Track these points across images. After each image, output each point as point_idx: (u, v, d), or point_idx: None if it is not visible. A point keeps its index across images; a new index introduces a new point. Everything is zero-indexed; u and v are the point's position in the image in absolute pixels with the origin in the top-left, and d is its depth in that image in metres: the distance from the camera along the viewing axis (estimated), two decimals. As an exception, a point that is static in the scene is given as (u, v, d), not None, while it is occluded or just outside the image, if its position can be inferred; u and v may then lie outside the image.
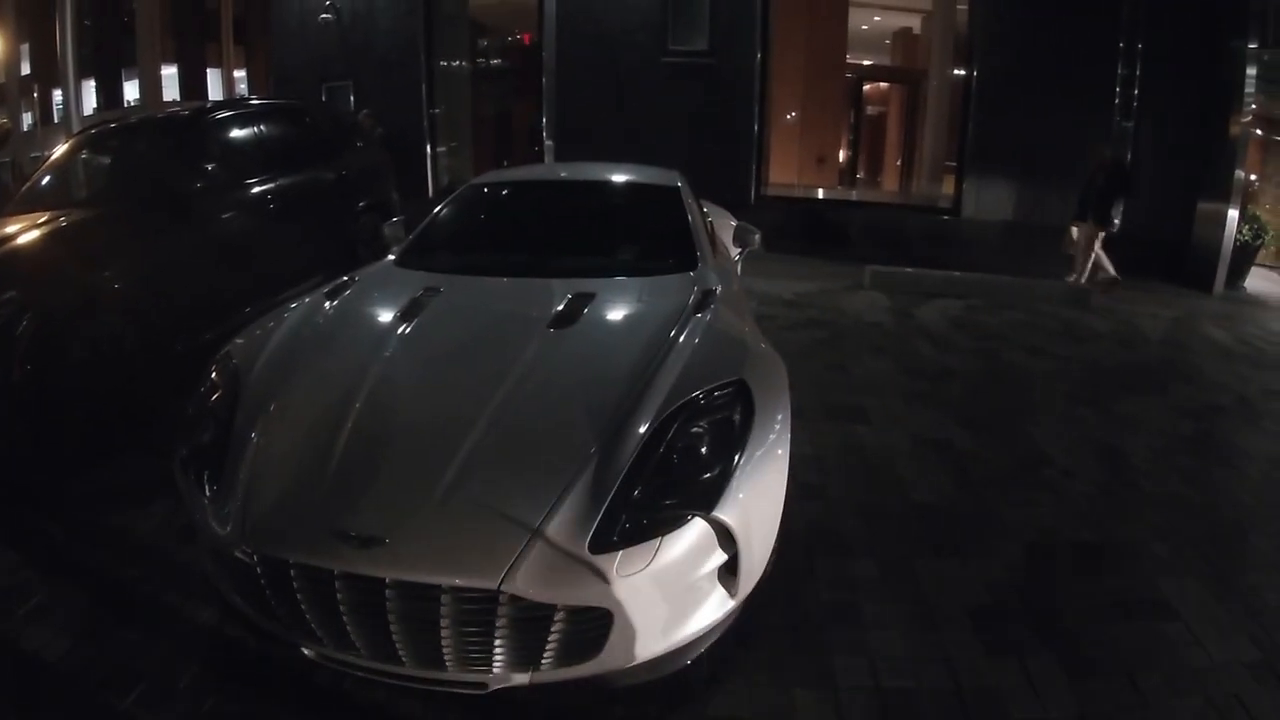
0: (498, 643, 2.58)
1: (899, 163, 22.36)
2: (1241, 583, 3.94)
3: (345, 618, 2.59)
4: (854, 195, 18.77)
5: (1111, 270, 10.94)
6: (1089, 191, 10.89)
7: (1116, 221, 10.74)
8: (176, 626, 3.40)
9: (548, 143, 13.91)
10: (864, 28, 20.50)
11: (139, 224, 5.69)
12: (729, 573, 2.90)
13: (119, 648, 3.26)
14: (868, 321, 8.72)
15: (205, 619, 3.42)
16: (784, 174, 17.38)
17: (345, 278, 4.47)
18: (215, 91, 27.21)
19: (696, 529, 2.75)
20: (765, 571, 3.07)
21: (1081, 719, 3.07)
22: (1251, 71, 11.57)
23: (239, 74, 28.46)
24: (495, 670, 2.64)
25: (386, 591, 2.53)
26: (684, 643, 2.83)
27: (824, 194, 16.74)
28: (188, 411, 3.38)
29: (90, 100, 22.67)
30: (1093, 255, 11.02)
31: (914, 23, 20.61)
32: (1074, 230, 11.18)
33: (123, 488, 4.51)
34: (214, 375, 3.49)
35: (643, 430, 2.88)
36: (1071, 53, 12.27)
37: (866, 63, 22.41)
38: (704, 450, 2.94)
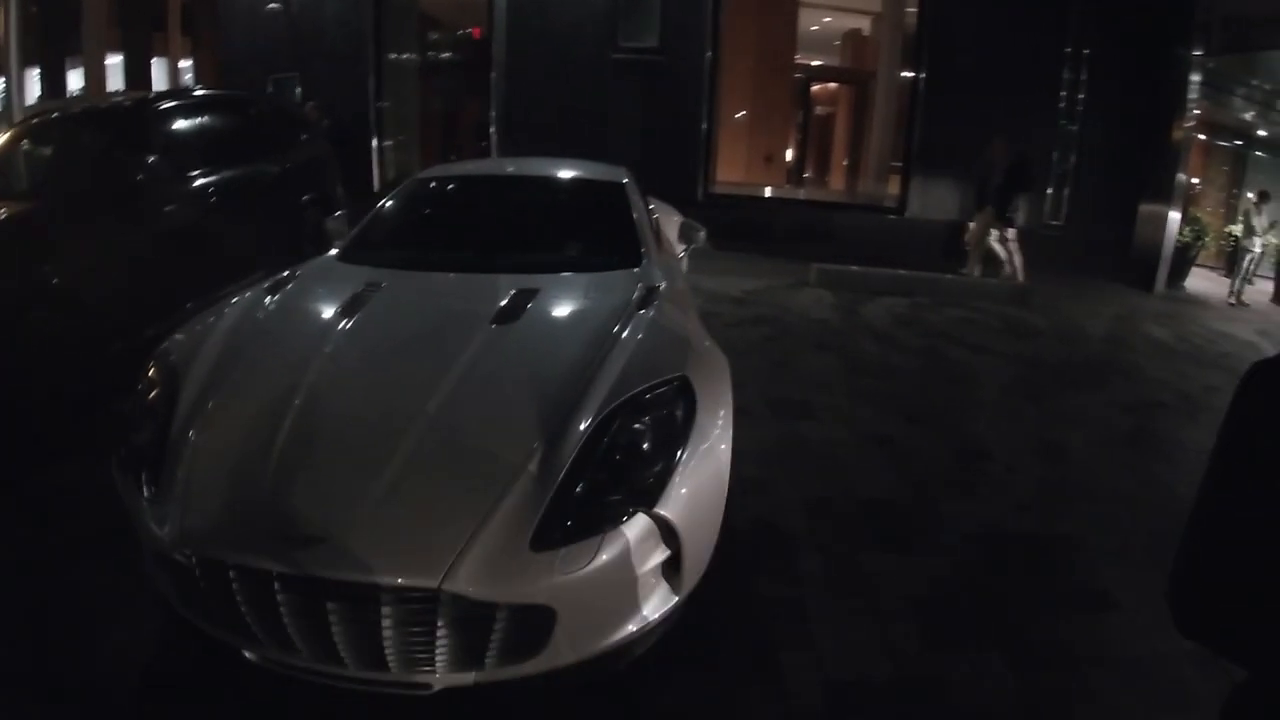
0: (440, 643, 2.56)
1: (846, 162, 22.57)
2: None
3: (286, 619, 2.55)
4: (801, 194, 18.89)
5: (1021, 275, 11.06)
6: (987, 187, 11.03)
7: (1019, 218, 10.86)
8: (116, 632, 3.33)
9: (495, 138, 13.84)
10: (814, 28, 20.65)
11: (79, 217, 5.59)
12: (672, 569, 2.91)
13: (58, 656, 3.19)
14: (813, 319, 8.80)
15: (147, 624, 3.35)
16: (732, 172, 17.45)
17: (286, 273, 4.41)
18: (160, 82, 26.76)
19: (639, 525, 2.76)
20: (708, 567, 3.09)
21: (1026, 709, 3.13)
22: (1195, 78, 11.90)
23: (185, 64, 28.01)
24: (439, 670, 2.62)
25: (326, 592, 2.51)
26: (628, 639, 2.82)
27: (771, 192, 16.81)
28: (126, 410, 3.33)
29: (34, 89, 22.18)
30: (984, 248, 11.28)
31: (864, 24, 20.78)
32: (972, 225, 11.46)
33: (66, 488, 4.41)
34: (152, 373, 3.43)
35: (585, 426, 2.88)
36: (1019, 56, 12.46)
37: (816, 63, 22.58)
38: (646, 446, 2.95)
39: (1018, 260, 11.02)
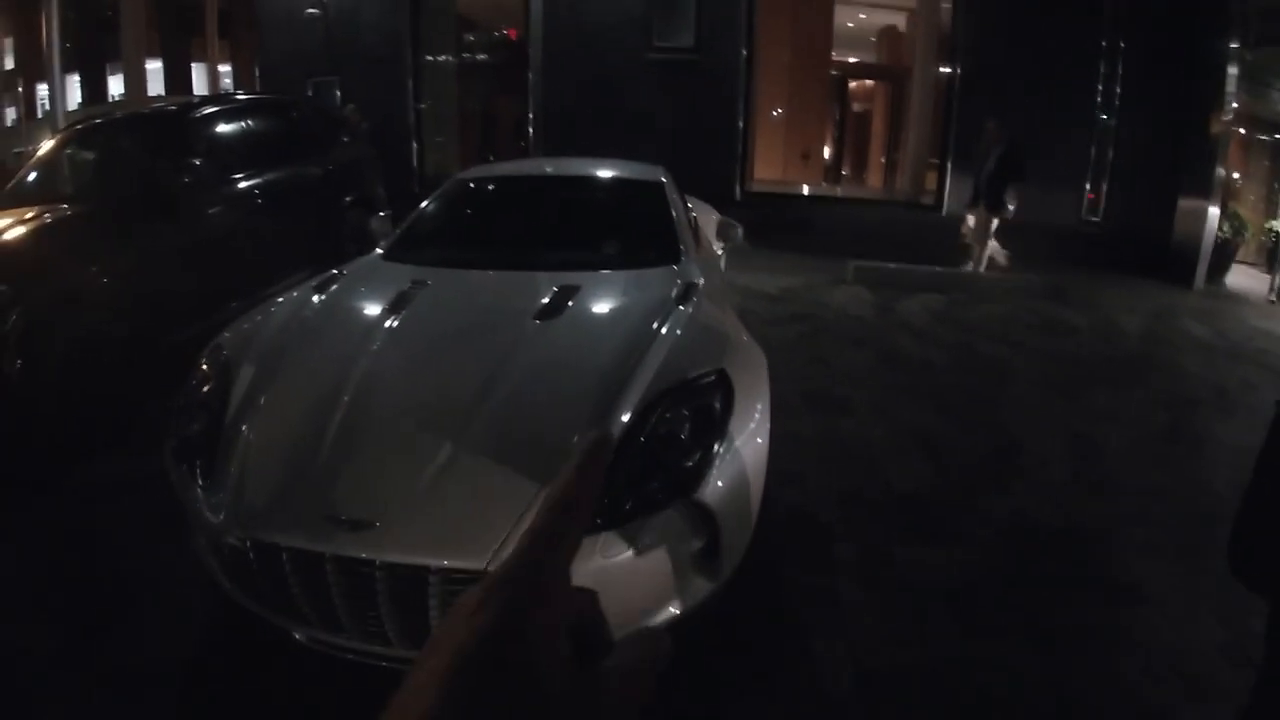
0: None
1: (883, 159, 22.50)
2: (1213, 567, 4.02)
3: (335, 600, 2.65)
4: (838, 191, 18.92)
5: (1003, 259, 10.93)
6: (979, 176, 10.83)
7: (1011, 208, 10.54)
8: (170, 617, 3.44)
9: (532, 137, 13.94)
10: (849, 25, 20.61)
11: (125, 220, 5.73)
12: (710, 556, 2.97)
13: (116, 642, 3.29)
14: (850, 315, 8.82)
15: (199, 608, 3.46)
16: (769, 170, 17.49)
17: (333, 271, 4.52)
18: (200, 86, 27.10)
19: (678, 512, 2.83)
20: (745, 555, 3.14)
21: (1057, 702, 3.15)
22: (1233, 71, 11.73)
23: (224, 69, 28.37)
24: None
25: (376, 574, 2.59)
26: (667, 623, 2.88)
27: (808, 190, 16.86)
28: (179, 403, 3.43)
29: (75, 95, 22.56)
30: (989, 244, 10.99)
31: (899, 20, 20.71)
32: (969, 218, 11.19)
33: (115, 480, 4.53)
34: (205, 367, 3.54)
35: (626, 417, 2.95)
36: (1055, 50, 12.39)
37: (852, 60, 22.55)
38: (685, 436, 3.01)
39: (987, 250, 10.91)
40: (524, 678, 0.44)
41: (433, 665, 0.45)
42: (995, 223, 10.79)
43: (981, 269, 11.09)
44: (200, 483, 3.03)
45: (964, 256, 11.33)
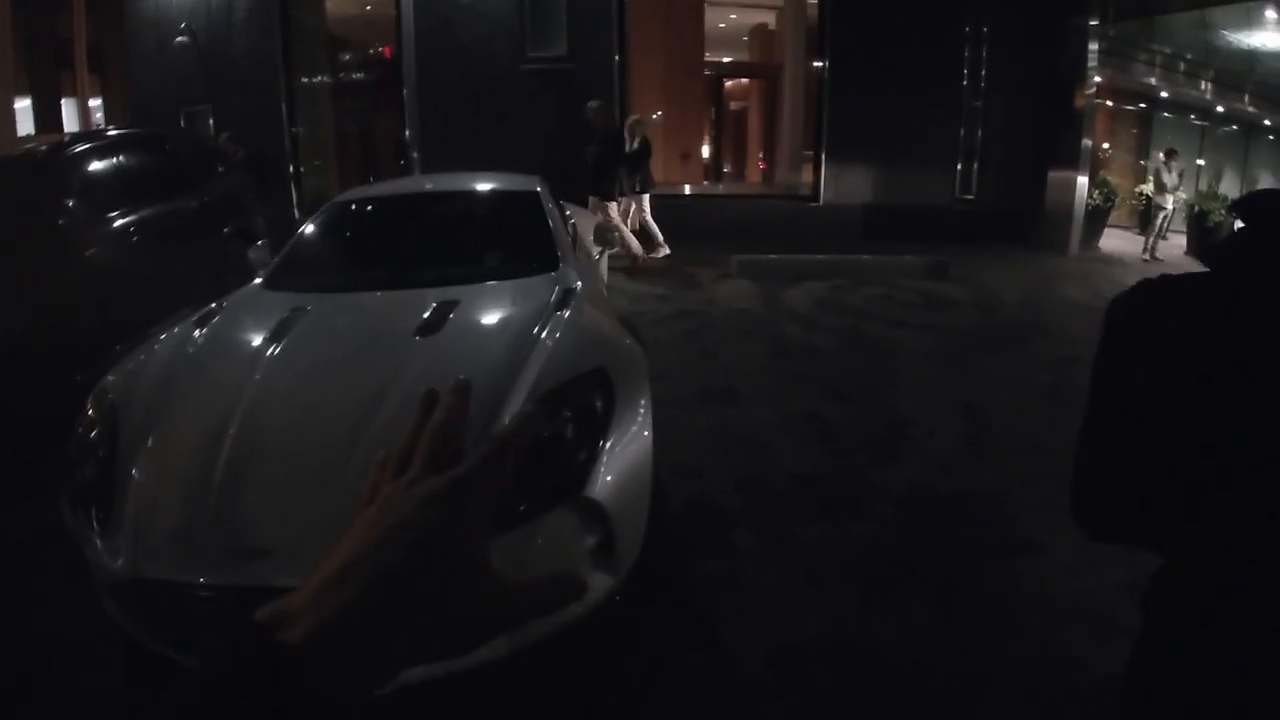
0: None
1: (760, 155, 22.89)
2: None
3: None
4: (719, 188, 19.20)
5: (635, 246, 10.86)
6: (605, 169, 10.46)
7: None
8: (81, 671, 3.38)
9: (414, 155, 13.89)
10: (721, 25, 20.91)
11: (0, 264, 5.61)
12: (606, 552, 3.09)
13: (31, 701, 3.25)
14: (737, 308, 9.03)
15: (111, 658, 3.38)
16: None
17: (213, 304, 4.51)
18: (72, 123, 26.25)
19: (570, 511, 2.96)
20: (644, 548, 3.25)
21: (961, 652, 3.33)
22: (1094, 46, 12.32)
23: (95, 103, 27.53)
24: None
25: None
26: (566, 624, 2.95)
27: (690, 189, 17.07)
28: (69, 450, 3.41)
29: (-62, 140, 21.72)
30: (624, 228, 10.61)
31: (769, 19, 21.09)
32: (611, 211, 10.57)
33: (9, 534, 4.43)
34: (90, 412, 3.52)
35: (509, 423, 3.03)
36: (921, 38, 12.77)
37: (725, 60, 22.88)
38: (570, 436, 3.14)
39: (630, 237, 10.78)
40: (450, 550, 0.56)
41: (372, 519, 0.58)
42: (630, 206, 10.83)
43: (642, 257, 10.96)
44: (96, 529, 3.03)
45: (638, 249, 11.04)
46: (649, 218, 11.11)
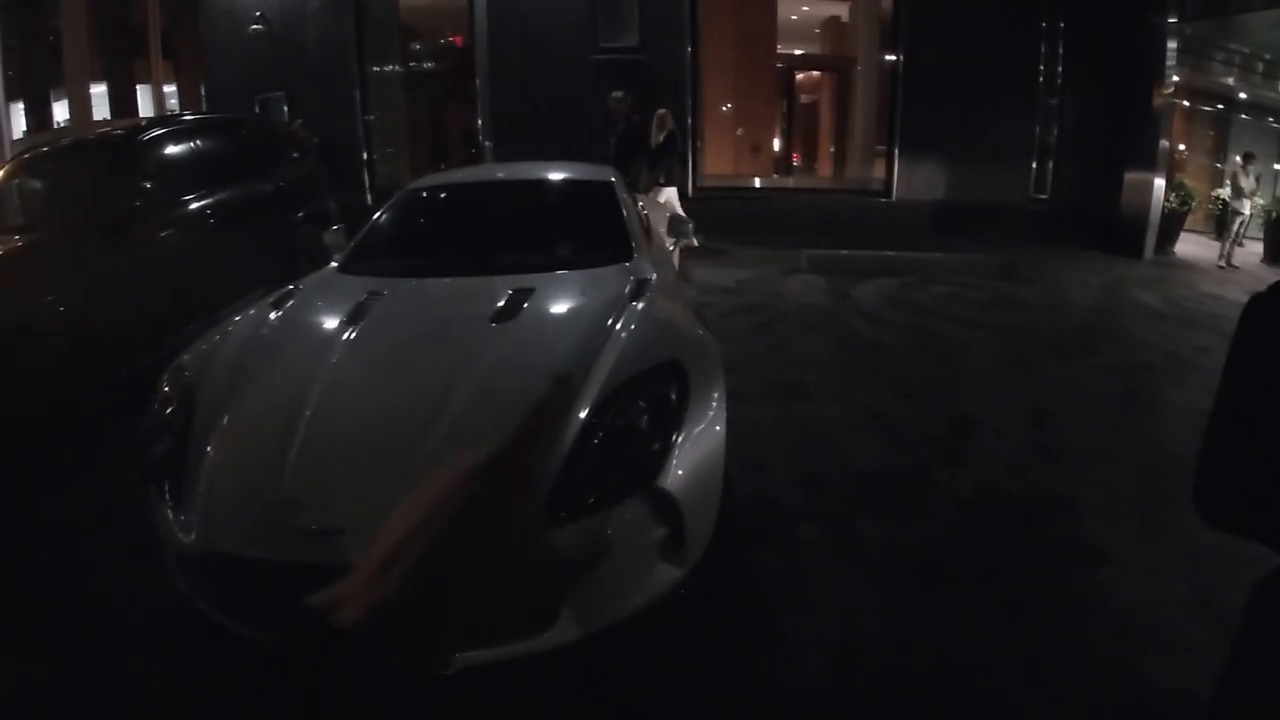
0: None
1: (832, 149, 22.68)
2: (1174, 527, 4.12)
3: None
4: (790, 182, 19.06)
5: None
6: (627, 162, 9.54)
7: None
8: (146, 644, 3.44)
9: (484, 144, 13.94)
10: (793, 18, 20.73)
11: (78, 247, 5.72)
12: (676, 544, 3.05)
13: (94, 672, 3.29)
14: (805, 303, 8.95)
15: (174, 631, 3.45)
16: (721, 165, 17.58)
17: (290, 287, 4.55)
18: (146, 108, 26.76)
19: (641, 501, 2.92)
20: (711, 541, 3.22)
21: (1019, 658, 3.26)
22: (1172, 45, 11.96)
23: (169, 89, 28.02)
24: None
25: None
26: (635, 612, 2.97)
27: (760, 182, 16.97)
28: (144, 426, 3.47)
29: (20, 123, 22.26)
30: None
31: (842, 11, 20.87)
32: (664, 195, 9.91)
33: (80, 509, 4.54)
34: (167, 389, 3.57)
35: (584, 414, 3.02)
36: (996, 33, 12.53)
37: (797, 52, 22.70)
38: (643, 427, 3.10)
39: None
40: (496, 520, 0.57)
41: (431, 494, 0.58)
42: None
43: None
44: (169, 503, 3.07)
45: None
46: (679, 210, 10.83)
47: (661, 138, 9.94)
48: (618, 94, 10.69)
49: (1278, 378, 1.35)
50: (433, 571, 0.54)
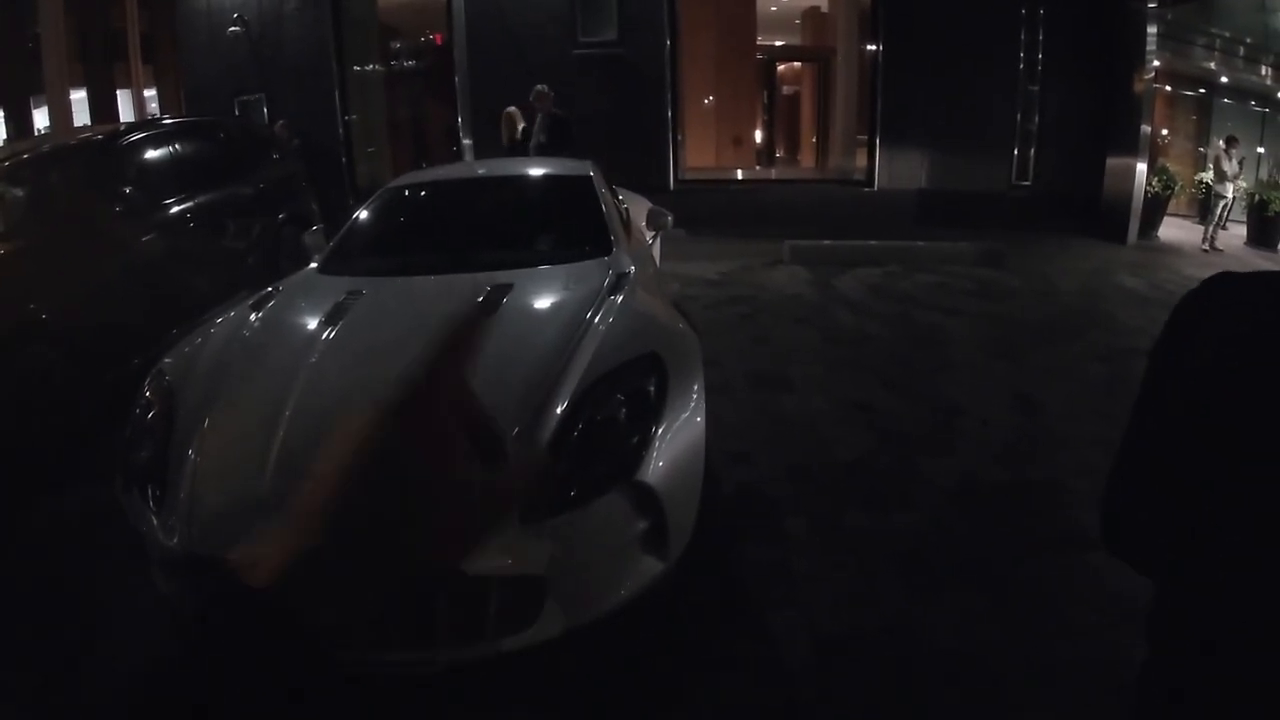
0: (440, 619, 2.72)
1: (814, 139, 22.67)
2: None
3: None
4: (772, 173, 19.07)
5: None
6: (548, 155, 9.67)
7: None
8: (130, 645, 3.38)
9: (465, 141, 13.91)
10: (773, 9, 20.69)
11: (60, 253, 5.71)
12: (658, 536, 3.06)
13: (86, 682, 3.26)
14: (789, 294, 8.95)
15: (156, 633, 3.45)
16: (702, 157, 17.56)
17: (269, 289, 4.55)
18: (126, 113, 26.67)
19: (621, 495, 2.93)
20: (695, 533, 3.24)
21: (1008, 647, 3.27)
22: (1153, 29, 11.99)
23: (149, 93, 27.91)
24: (440, 647, 2.77)
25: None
26: (619, 605, 2.98)
27: (742, 174, 16.98)
28: (126, 431, 3.47)
29: (0, 130, 22.17)
30: None
31: (821, 1, 20.84)
32: None
33: (70, 515, 4.52)
34: (148, 393, 3.57)
35: (561, 408, 3.03)
36: (976, 20, 12.54)
37: (778, 43, 22.69)
38: (623, 421, 3.12)
39: None
40: (409, 463, 0.56)
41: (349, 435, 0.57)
42: None
43: None
44: (152, 507, 3.07)
45: None
46: None
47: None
48: (540, 88, 10.60)
49: (1210, 390, 1.16)
50: (348, 521, 0.53)
